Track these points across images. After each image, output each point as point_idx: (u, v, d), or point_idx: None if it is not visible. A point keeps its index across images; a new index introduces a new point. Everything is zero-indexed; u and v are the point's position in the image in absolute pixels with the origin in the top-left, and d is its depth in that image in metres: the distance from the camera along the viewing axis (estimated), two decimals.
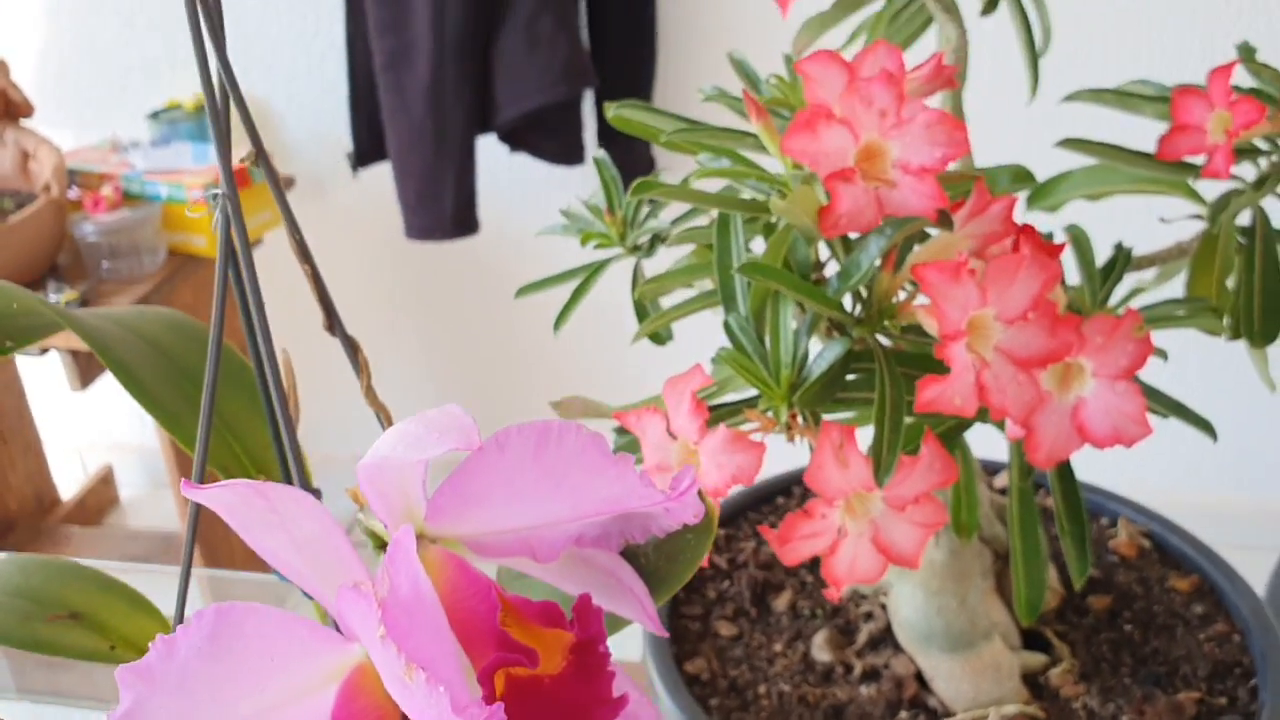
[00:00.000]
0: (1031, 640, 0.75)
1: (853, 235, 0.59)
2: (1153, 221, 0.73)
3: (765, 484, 0.88)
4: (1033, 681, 0.72)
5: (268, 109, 2.01)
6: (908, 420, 0.55)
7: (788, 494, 0.88)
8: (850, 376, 0.57)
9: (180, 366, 0.56)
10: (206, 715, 0.35)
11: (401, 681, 0.32)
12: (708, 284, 0.64)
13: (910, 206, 0.54)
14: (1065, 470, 0.62)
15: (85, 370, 1.73)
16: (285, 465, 0.53)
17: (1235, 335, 0.69)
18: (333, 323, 0.47)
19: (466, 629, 0.36)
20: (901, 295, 0.57)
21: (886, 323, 0.56)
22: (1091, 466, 0.73)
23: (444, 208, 1.80)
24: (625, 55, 1.77)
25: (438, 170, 1.78)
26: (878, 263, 0.55)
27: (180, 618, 0.52)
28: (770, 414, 0.56)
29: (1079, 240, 0.65)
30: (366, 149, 1.88)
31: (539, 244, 1.76)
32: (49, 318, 0.55)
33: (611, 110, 0.67)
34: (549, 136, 1.80)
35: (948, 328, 0.50)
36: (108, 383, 2.15)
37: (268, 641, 0.36)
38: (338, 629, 0.37)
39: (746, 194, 0.58)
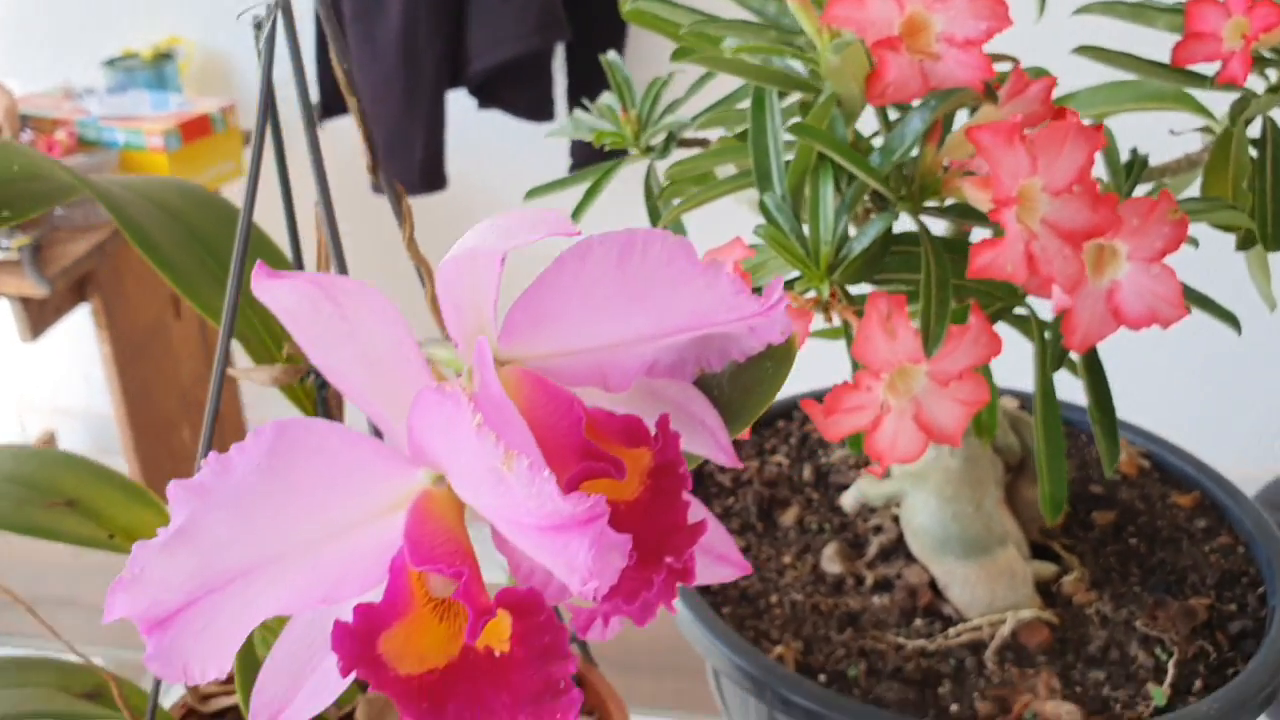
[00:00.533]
0: (1039, 555, 0.75)
1: (892, 116, 0.58)
2: (1156, 142, 0.73)
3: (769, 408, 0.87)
4: (1045, 590, 0.72)
5: (230, 61, 1.96)
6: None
7: (788, 418, 0.87)
8: (889, 259, 0.56)
9: (197, 235, 0.53)
10: (266, 535, 0.33)
11: (497, 476, 0.30)
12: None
13: (955, 78, 0.53)
14: (1093, 361, 0.61)
15: (36, 320, 1.67)
16: None
17: (1244, 245, 0.69)
18: (376, 163, 0.45)
19: (549, 445, 0.34)
20: (944, 172, 0.56)
21: (929, 200, 0.55)
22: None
23: (413, 162, 1.76)
24: (598, 7, 1.75)
25: (407, 124, 1.75)
26: (922, 136, 0.54)
27: None
28: (809, 294, 0.54)
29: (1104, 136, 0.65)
30: (333, 101, 1.84)
31: (507, 201, 1.74)
32: (59, 181, 0.52)
33: (628, 4, 0.66)
34: (520, 90, 1.78)
35: (1002, 192, 0.49)
36: (55, 339, 2.09)
37: (329, 459, 0.34)
38: None
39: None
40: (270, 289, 0.32)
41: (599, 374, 0.37)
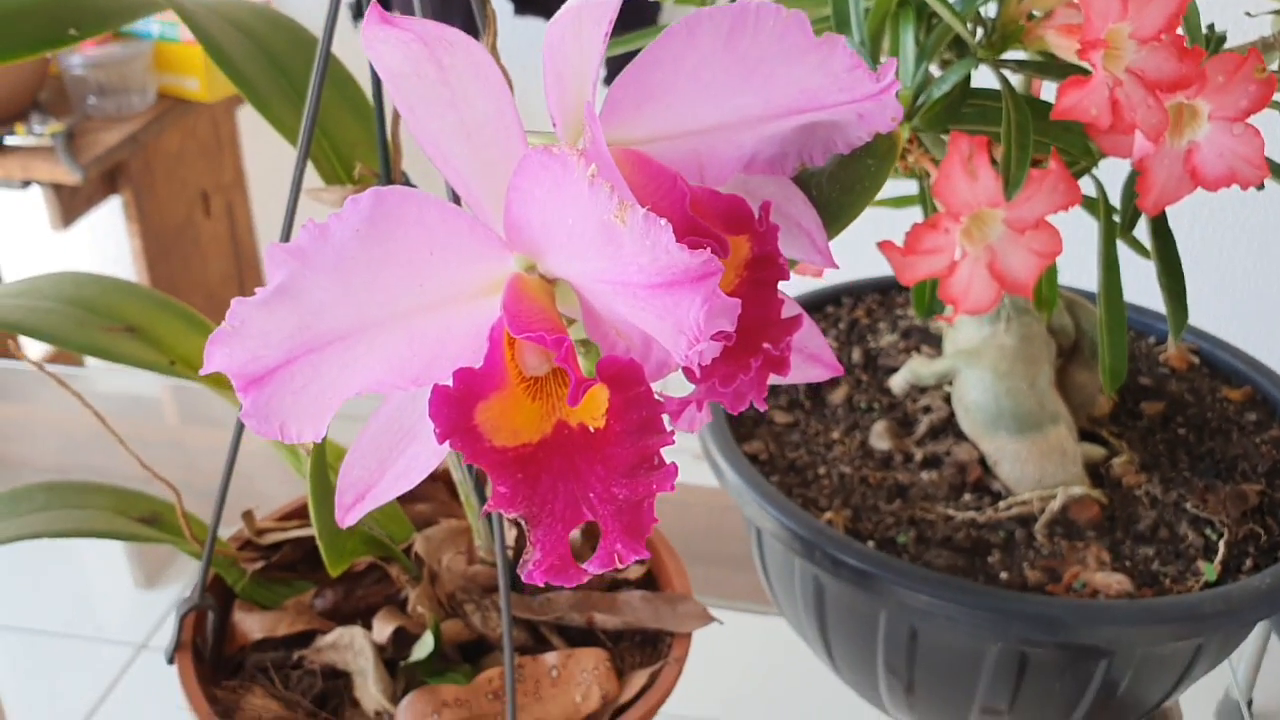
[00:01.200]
0: (1088, 441, 0.75)
1: None
2: (1231, 26, 0.71)
3: (816, 293, 0.86)
4: (1094, 472, 0.71)
5: None
6: None
7: (837, 303, 0.87)
8: (965, 111, 0.55)
9: (272, 55, 0.52)
10: (363, 301, 0.33)
11: (608, 231, 0.30)
12: None
13: None
14: (1162, 225, 0.60)
15: (68, 208, 1.67)
16: (386, 154, 0.50)
17: None
18: None
19: None
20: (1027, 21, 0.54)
21: (1010, 50, 0.54)
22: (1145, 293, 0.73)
23: None
24: None
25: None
26: None
27: None
28: None
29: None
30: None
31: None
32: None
33: None
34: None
35: (1091, 33, 0.48)
36: (84, 234, 2.09)
37: (427, 231, 0.33)
38: None
39: None
40: (379, 39, 0.31)
41: (696, 164, 0.36)
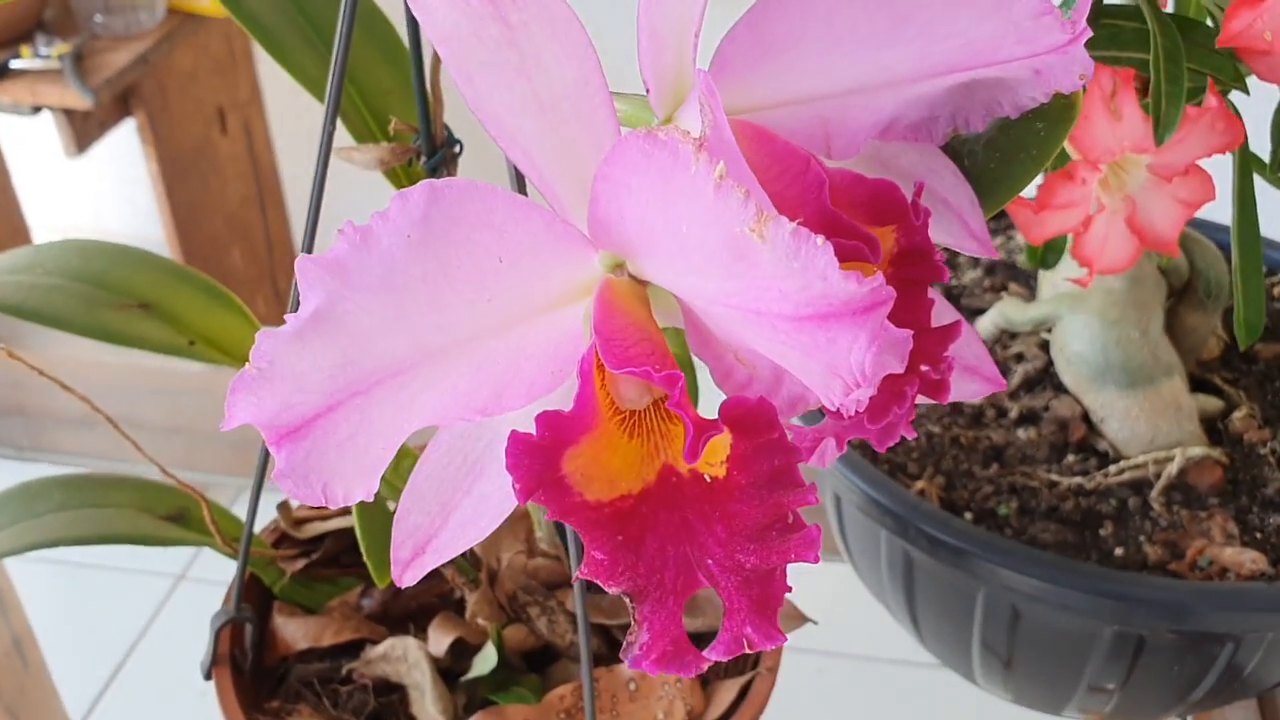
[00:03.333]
0: (1197, 389, 0.68)
1: None
2: None
3: None
4: (1210, 427, 0.65)
5: None
6: None
7: None
8: (1097, 31, 0.47)
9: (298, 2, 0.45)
10: (419, 324, 0.26)
11: (739, 247, 0.23)
12: None
13: None
14: None
15: (81, 133, 1.60)
16: (425, 105, 0.43)
17: None
18: None
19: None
20: None
21: None
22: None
23: None
24: None
25: None
26: None
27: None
28: None
29: None
30: None
31: None
32: None
33: None
34: None
35: None
36: (98, 157, 2.01)
37: (495, 234, 0.26)
38: None
39: None
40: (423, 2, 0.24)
41: (822, 133, 0.29)
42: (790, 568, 0.26)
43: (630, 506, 0.27)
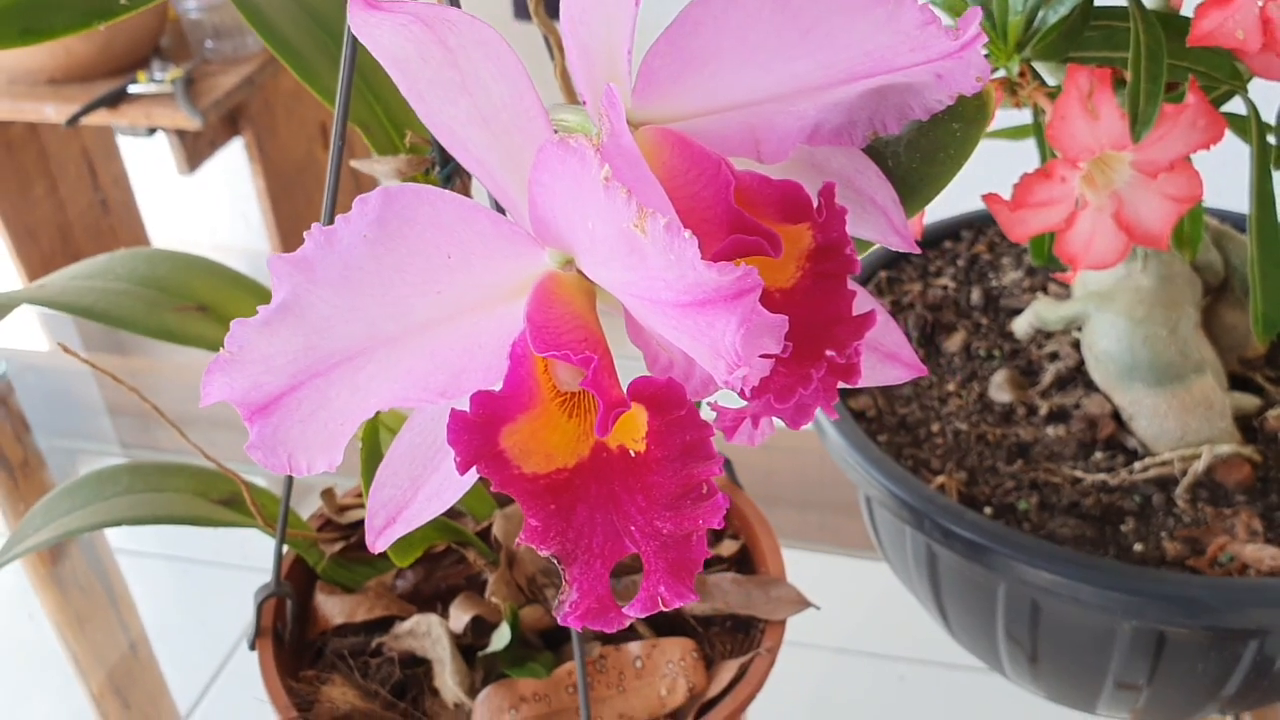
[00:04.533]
0: (1239, 387, 0.67)
1: None
2: None
3: (933, 227, 0.80)
4: (1245, 425, 0.64)
5: None
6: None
7: (956, 238, 0.80)
8: (1088, 35, 0.48)
9: (317, 17, 0.49)
10: (374, 314, 0.29)
11: (629, 241, 0.25)
12: None
13: None
14: None
15: (192, 152, 1.69)
16: None
17: None
18: None
19: (691, 217, 0.29)
20: None
21: None
22: None
23: None
24: None
25: None
26: None
27: None
28: (996, 74, 0.47)
29: None
30: None
31: None
32: None
33: None
34: None
35: None
36: (213, 174, 2.13)
37: (444, 233, 0.30)
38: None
39: None
40: (370, 24, 0.28)
41: (751, 139, 0.31)
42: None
43: (565, 479, 0.30)
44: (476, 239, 0.30)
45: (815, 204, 0.29)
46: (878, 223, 0.32)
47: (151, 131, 1.67)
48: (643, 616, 0.29)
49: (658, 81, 0.30)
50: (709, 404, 0.32)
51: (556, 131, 0.33)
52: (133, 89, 1.64)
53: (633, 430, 0.29)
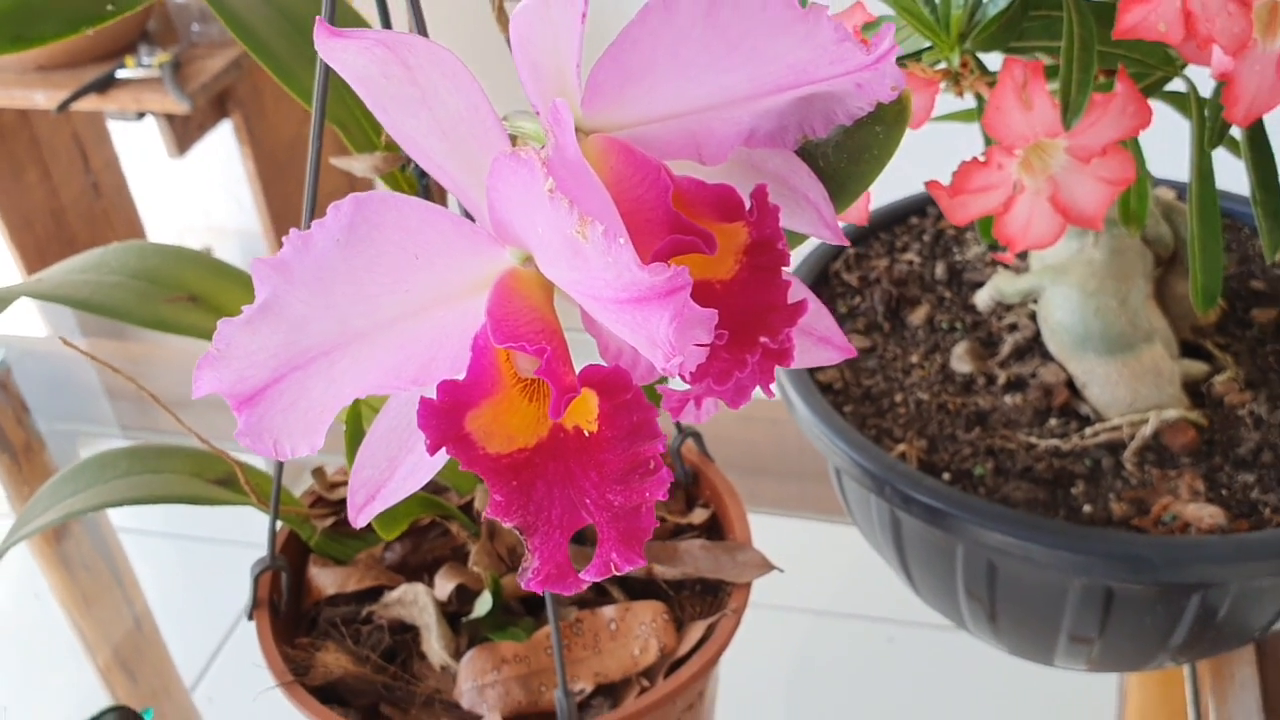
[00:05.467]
0: (1191, 354, 0.70)
1: None
2: None
3: (899, 204, 0.83)
4: (1194, 391, 0.67)
5: None
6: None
7: (922, 214, 0.83)
8: (1027, 24, 0.51)
9: (293, 19, 0.51)
10: (347, 312, 0.32)
11: (572, 245, 0.28)
12: None
13: None
14: (1258, 135, 0.55)
15: (181, 136, 1.71)
16: None
17: None
18: None
19: (636, 219, 0.32)
20: None
21: None
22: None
23: None
24: None
25: None
26: None
27: None
28: (938, 65, 0.50)
29: None
30: None
31: None
32: None
33: None
34: None
35: None
36: (204, 157, 2.14)
37: (410, 235, 0.32)
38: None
39: None
40: (335, 50, 0.30)
41: (692, 144, 0.34)
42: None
43: (525, 458, 0.33)
44: (439, 240, 0.33)
45: (748, 205, 0.32)
46: (810, 217, 0.35)
47: (141, 116, 1.69)
48: (597, 580, 0.32)
49: (603, 93, 0.33)
50: (656, 387, 0.35)
51: (514, 138, 0.36)
52: (121, 74, 1.66)
53: (585, 412, 0.32)
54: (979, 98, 0.51)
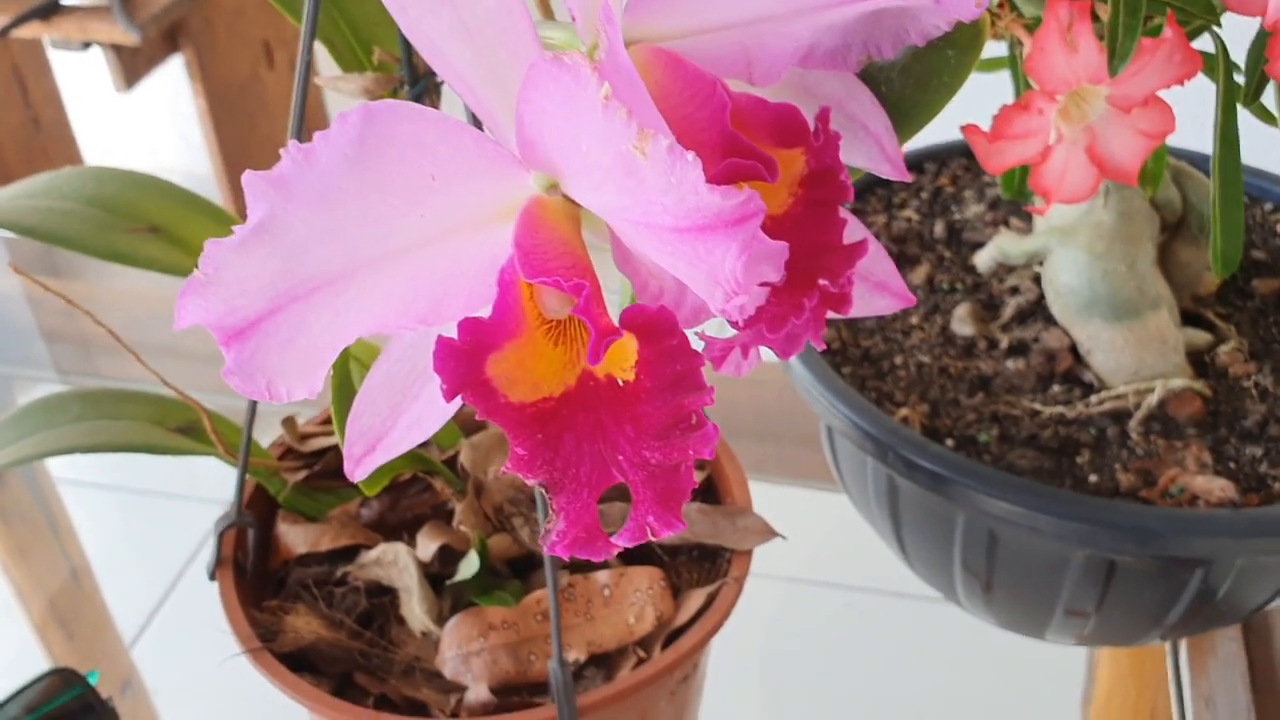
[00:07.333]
0: (1191, 323, 0.68)
1: None
2: None
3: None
4: (1197, 360, 0.66)
5: None
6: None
7: (919, 170, 0.80)
8: None
9: None
10: (355, 237, 0.29)
11: (628, 163, 0.25)
12: None
13: None
14: None
15: (129, 69, 1.64)
16: (406, 38, 0.45)
17: None
18: None
19: (684, 139, 0.28)
20: None
21: None
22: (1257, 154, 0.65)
23: None
24: None
25: None
26: None
27: None
28: None
29: None
30: None
31: None
32: None
33: None
34: None
35: None
36: (152, 93, 2.06)
37: (426, 153, 0.29)
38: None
39: None
40: None
41: (743, 59, 0.30)
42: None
43: (551, 408, 0.29)
44: (460, 160, 0.29)
45: (811, 128, 0.29)
46: (870, 149, 0.32)
47: (86, 46, 1.61)
48: (630, 545, 0.28)
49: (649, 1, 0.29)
50: (697, 334, 0.32)
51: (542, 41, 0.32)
52: (66, 1, 1.58)
53: (622, 359, 0.29)
54: (1013, 41, 0.48)
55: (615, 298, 0.36)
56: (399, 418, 0.33)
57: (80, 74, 1.98)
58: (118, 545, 1.14)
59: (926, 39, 0.29)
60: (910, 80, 0.31)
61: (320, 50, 0.49)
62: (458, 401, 0.31)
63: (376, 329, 0.30)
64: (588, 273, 0.29)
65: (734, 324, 0.28)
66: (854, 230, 0.31)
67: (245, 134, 1.89)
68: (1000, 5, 0.47)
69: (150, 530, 1.17)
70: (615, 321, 0.28)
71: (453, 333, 0.29)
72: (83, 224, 0.52)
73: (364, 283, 0.29)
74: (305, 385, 0.29)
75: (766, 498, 0.92)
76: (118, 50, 1.60)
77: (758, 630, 0.88)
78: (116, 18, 1.54)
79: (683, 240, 0.25)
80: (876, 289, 0.33)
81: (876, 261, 0.33)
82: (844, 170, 0.30)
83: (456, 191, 0.30)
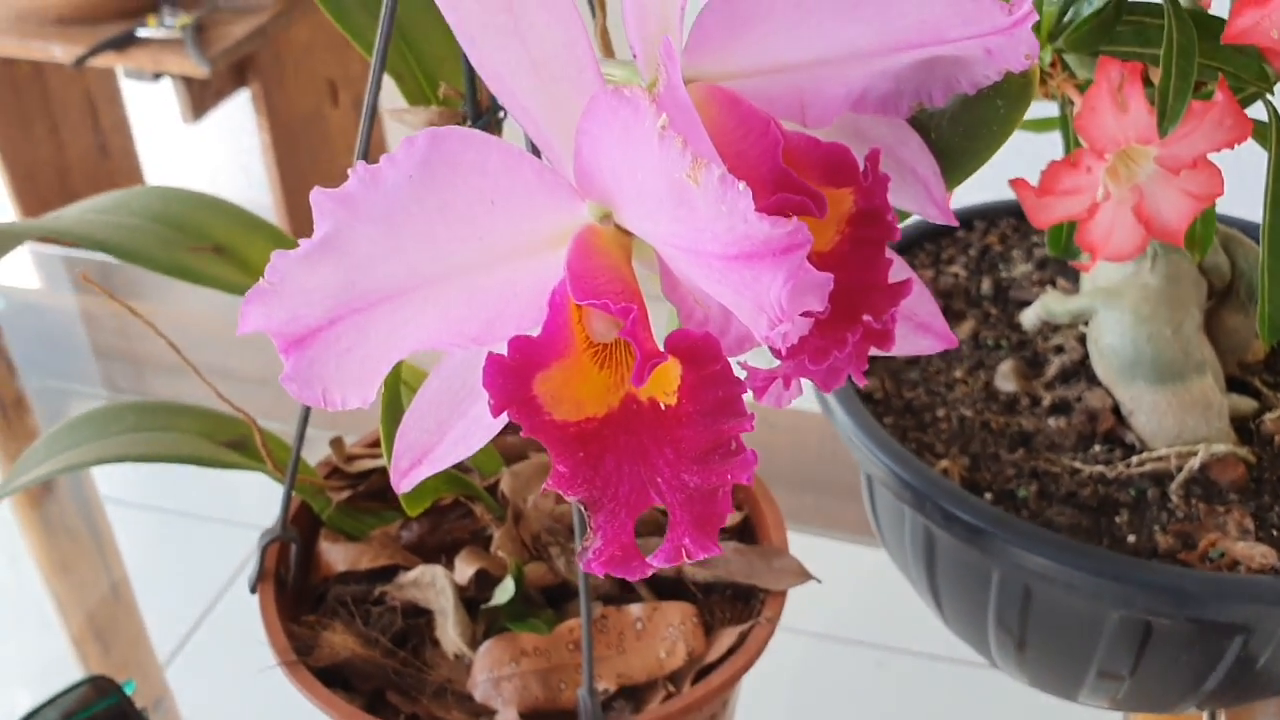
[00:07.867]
0: (1237, 390, 0.68)
1: None
2: None
3: None
4: (1241, 427, 0.65)
5: None
6: None
7: (969, 227, 0.80)
8: (1120, 29, 0.49)
9: None
10: (415, 255, 0.30)
11: (680, 191, 0.26)
12: None
13: None
14: None
15: (198, 101, 1.68)
16: (471, 73, 0.47)
17: None
18: None
19: (736, 174, 0.29)
20: None
21: None
22: None
23: None
24: None
25: None
26: None
27: None
28: None
29: None
30: None
31: None
32: None
33: None
34: None
35: None
36: (215, 125, 2.11)
37: (488, 180, 0.30)
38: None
39: None
40: None
41: (797, 102, 0.31)
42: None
43: (594, 428, 0.30)
44: (520, 187, 0.30)
45: (861, 168, 0.30)
46: (917, 194, 0.33)
47: (158, 77, 1.66)
48: (665, 566, 0.29)
49: (711, 38, 0.30)
50: (739, 363, 0.32)
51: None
52: (141, 33, 1.63)
53: (665, 383, 0.30)
54: (1064, 100, 0.48)
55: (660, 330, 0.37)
56: (446, 433, 0.34)
57: (148, 105, 2.04)
58: (159, 565, 1.15)
59: (977, 88, 0.30)
60: (959, 128, 0.32)
61: (387, 84, 0.51)
62: (503, 418, 0.32)
63: (430, 344, 0.31)
64: (636, 298, 0.30)
65: (777, 353, 0.29)
66: (899, 270, 0.32)
67: (306, 168, 1.93)
68: (1052, 65, 0.48)
69: (191, 551, 1.19)
70: (660, 347, 0.29)
71: (503, 350, 0.30)
72: (150, 240, 0.53)
73: (422, 299, 0.30)
74: (359, 394, 0.30)
75: (802, 547, 0.92)
76: (188, 82, 1.65)
77: (786, 684, 0.88)
78: (188, 51, 1.59)
79: (731, 267, 0.26)
80: (919, 329, 0.34)
81: (920, 302, 0.33)
82: (891, 211, 0.30)
83: (514, 217, 0.31)
